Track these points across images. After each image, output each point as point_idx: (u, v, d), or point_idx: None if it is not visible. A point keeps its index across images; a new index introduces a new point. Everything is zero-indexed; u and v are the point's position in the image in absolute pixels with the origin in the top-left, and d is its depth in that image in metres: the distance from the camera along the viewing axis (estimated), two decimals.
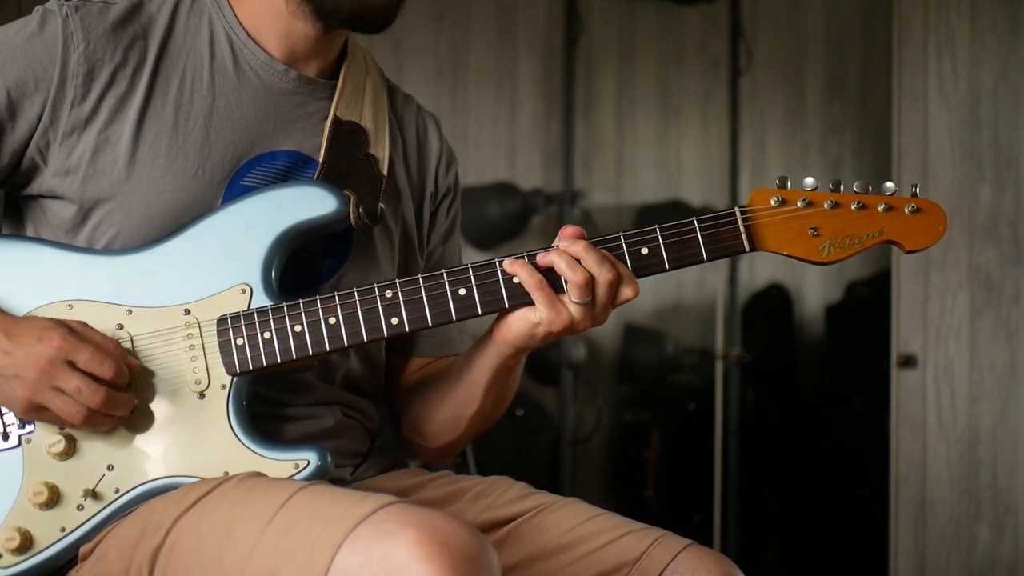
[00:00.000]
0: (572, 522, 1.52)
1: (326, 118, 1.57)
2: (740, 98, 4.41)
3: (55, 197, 1.50)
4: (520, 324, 1.46)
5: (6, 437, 1.46)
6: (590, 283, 1.43)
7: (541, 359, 4.03)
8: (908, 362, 3.37)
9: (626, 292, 1.45)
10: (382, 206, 1.57)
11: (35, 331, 1.39)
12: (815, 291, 4.70)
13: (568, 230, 1.46)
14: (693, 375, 4.47)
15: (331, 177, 1.54)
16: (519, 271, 1.45)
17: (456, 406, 1.61)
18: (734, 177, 4.44)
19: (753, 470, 4.39)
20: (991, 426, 3.34)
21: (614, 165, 4.48)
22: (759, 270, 4.59)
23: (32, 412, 1.41)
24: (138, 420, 1.45)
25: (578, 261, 1.43)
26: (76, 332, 1.40)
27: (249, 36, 1.55)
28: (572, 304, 1.43)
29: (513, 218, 4.07)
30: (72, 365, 1.38)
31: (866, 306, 4.27)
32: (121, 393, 1.41)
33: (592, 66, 4.39)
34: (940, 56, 3.38)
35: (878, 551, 3.56)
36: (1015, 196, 3.31)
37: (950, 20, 3.38)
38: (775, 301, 4.59)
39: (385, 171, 1.59)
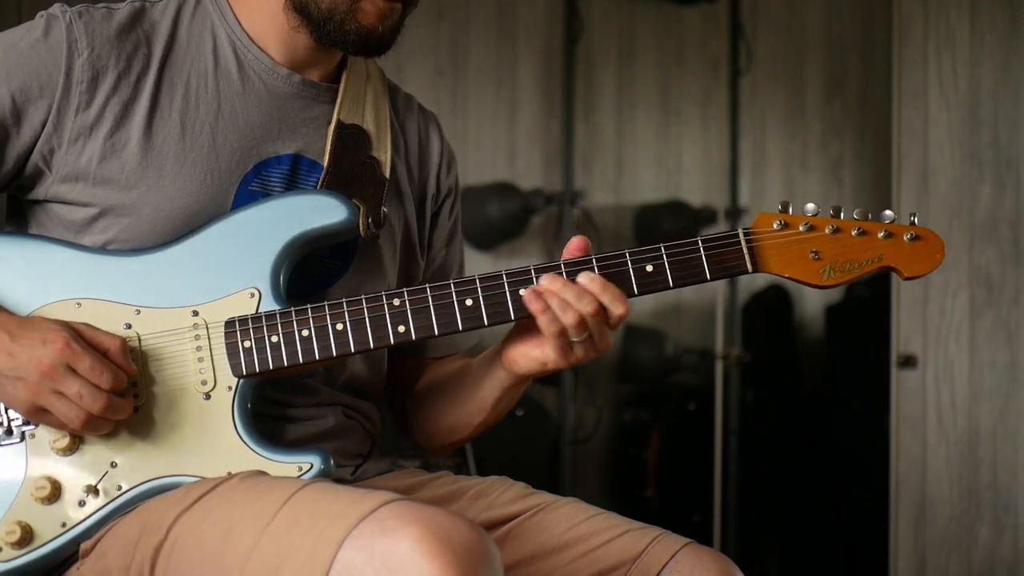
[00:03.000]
0: (571, 521, 1.53)
1: (329, 122, 1.58)
2: (740, 98, 4.41)
3: (62, 202, 1.51)
4: (530, 364, 1.50)
5: (10, 432, 1.46)
6: (583, 321, 1.43)
7: None
8: (908, 362, 3.37)
9: (617, 312, 1.44)
10: (385, 209, 1.57)
11: (39, 333, 1.40)
12: (815, 291, 4.67)
13: (574, 244, 1.48)
14: (693, 375, 4.47)
15: (335, 181, 1.55)
16: (541, 316, 1.43)
17: (464, 415, 1.64)
18: (734, 177, 4.44)
19: (753, 470, 4.39)
20: (991, 426, 3.34)
21: (614, 165, 4.48)
22: None
23: (34, 414, 1.42)
24: (143, 419, 1.46)
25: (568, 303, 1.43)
26: (80, 338, 1.41)
27: (252, 41, 1.55)
28: (575, 343, 1.45)
29: (513, 218, 4.07)
30: (73, 370, 1.39)
31: (866, 306, 4.27)
32: (121, 398, 1.42)
33: (592, 66, 4.39)
34: (940, 56, 3.38)
35: (878, 551, 3.56)
36: (1015, 196, 3.32)
37: (950, 20, 3.39)
38: (775, 301, 4.59)
39: (387, 174, 1.60)
